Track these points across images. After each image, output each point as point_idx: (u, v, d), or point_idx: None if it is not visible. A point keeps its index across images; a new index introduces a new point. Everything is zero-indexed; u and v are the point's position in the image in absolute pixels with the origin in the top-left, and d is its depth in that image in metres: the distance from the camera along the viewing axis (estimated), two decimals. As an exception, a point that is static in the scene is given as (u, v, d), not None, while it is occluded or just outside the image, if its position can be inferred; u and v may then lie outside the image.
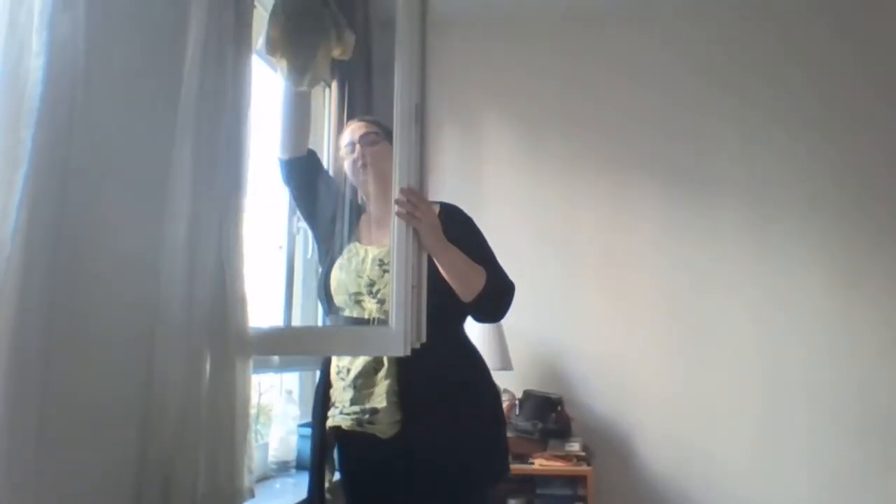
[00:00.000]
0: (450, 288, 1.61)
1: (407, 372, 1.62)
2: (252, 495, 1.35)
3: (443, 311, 1.56)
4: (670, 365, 3.07)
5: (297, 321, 2.39)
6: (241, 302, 1.36)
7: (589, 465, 2.73)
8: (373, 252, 1.74)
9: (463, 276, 1.60)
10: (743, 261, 3.10)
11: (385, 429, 1.63)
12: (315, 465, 1.74)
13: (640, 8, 3.27)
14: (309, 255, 2.52)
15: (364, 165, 1.77)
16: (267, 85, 2.28)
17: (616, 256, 3.17)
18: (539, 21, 3.34)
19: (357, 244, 1.79)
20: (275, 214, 2.25)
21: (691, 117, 3.22)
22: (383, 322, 1.57)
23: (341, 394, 1.70)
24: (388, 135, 1.71)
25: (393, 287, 1.45)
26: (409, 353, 1.44)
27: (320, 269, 1.87)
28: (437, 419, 1.61)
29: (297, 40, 1.68)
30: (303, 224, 2.38)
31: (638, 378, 3.07)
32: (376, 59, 2.92)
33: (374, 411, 1.64)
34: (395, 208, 1.48)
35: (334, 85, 2.68)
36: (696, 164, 3.19)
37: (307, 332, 2.00)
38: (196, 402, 1.25)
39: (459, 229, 1.70)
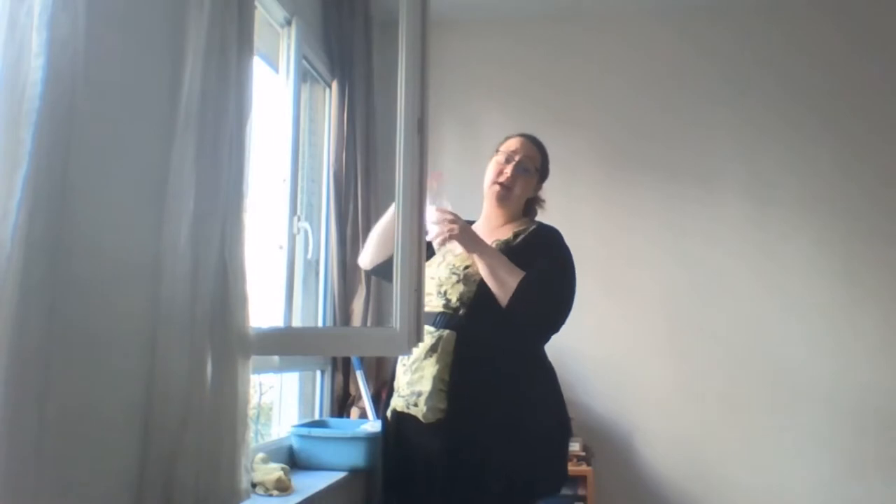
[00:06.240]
0: None
1: (461, 366, 1.66)
2: (248, 495, 1.35)
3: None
4: (670, 364, 3.07)
5: (297, 321, 2.39)
6: (242, 302, 1.36)
7: (589, 465, 2.74)
8: (449, 258, 1.83)
9: (498, 277, 1.67)
10: (744, 258, 3.09)
11: (426, 413, 1.66)
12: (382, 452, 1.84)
13: (641, 7, 3.27)
14: (309, 256, 2.52)
15: (508, 188, 1.88)
16: (267, 86, 2.28)
17: (616, 255, 3.17)
18: (539, 20, 3.34)
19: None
20: (275, 214, 2.25)
21: (691, 114, 3.22)
22: (450, 315, 1.74)
23: (401, 377, 1.78)
24: (541, 171, 1.94)
25: (397, 290, 1.48)
26: (411, 352, 1.48)
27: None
28: (482, 422, 1.62)
29: None
30: (303, 224, 2.38)
31: (638, 378, 3.06)
32: (376, 59, 2.93)
33: (418, 393, 1.69)
34: (429, 232, 1.59)
35: (335, 85, 2.68)
36: (696, 160, 3.19)
37: (307, 332, 2.01)
38: (198, 402, 1.25)
39: (538, 245, 1.81)
